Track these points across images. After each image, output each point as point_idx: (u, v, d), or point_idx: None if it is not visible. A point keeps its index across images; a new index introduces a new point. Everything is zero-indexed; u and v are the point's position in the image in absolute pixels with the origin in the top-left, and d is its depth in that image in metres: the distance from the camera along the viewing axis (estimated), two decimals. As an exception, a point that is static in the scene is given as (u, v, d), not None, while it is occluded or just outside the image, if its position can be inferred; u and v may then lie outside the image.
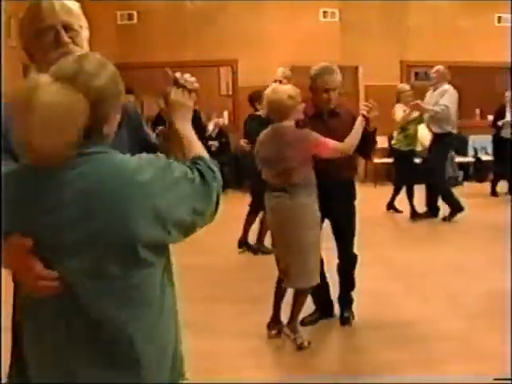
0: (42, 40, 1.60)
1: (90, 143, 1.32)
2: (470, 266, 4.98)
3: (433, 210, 6.84)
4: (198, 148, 1.55)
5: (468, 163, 9.69)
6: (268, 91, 3.42)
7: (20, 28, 1.67)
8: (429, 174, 6.73)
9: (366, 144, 3.50)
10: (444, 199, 6.75)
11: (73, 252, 1.28)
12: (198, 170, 1.44)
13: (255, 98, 5.36)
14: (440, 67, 6.93)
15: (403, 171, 6.88)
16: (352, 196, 3.72)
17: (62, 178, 1.28)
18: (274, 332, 3.55)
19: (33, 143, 1.22)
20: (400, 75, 9.59)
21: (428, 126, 6.75)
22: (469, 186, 9.11)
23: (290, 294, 3.55)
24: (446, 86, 6.72)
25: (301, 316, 3.59)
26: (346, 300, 3.82)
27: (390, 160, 9.01)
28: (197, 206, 1.41)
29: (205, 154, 1.53)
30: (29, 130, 1.21)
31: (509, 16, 9.60)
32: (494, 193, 8.31)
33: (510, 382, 2.77)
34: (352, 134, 3.38)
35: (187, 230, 1.43)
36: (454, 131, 6.75)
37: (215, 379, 3.04)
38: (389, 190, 7.37)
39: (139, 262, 1.32)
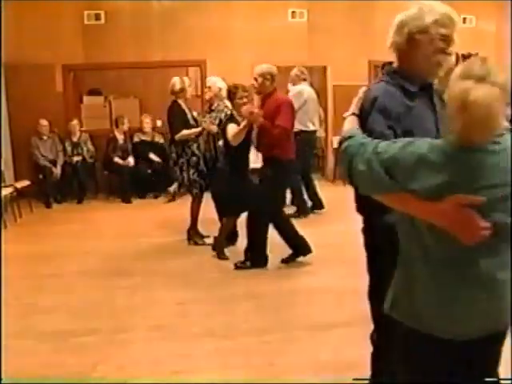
0: (434, 43, 1.96)
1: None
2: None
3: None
4: None
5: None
6: None
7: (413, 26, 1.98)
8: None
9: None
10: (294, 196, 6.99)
11: (493, 208, 1.63)
12: None
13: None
14: (293, 71, 7.26)
15: None
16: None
17: (485, 152, 1.64)
18: None
19: (466, 132, 1.60)
20: (368, 75, 9.67)
21: None
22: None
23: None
24: (298, 87, 7.08)
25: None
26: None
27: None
28: None
29: None
30: (465, 121, 1.58)
31: (473, 17, 9.79)
32: None
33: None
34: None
35: None
36: (309, 128, 7.05)
37: (182, 380, 3.04)
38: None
39: None
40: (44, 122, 8.51)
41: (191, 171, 5.65)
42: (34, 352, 3.44)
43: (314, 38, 9.24)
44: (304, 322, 3.82)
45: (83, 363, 3.29)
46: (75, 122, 8.80)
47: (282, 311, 4.03)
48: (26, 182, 7.94)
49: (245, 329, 3.73)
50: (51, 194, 8.34)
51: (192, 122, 5.78)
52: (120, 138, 8.76)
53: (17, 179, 8.27)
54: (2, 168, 7.73)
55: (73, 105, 9.25)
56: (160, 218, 7.19)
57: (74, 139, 8.78)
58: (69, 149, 8.74)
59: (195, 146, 5.69)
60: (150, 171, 8.74)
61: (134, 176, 8.61)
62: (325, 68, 9.63)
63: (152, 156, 8.80)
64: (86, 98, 10.08)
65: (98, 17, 8.92)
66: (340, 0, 9.21)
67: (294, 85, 7.21)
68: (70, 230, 6.72)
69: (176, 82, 5.75)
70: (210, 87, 5.67)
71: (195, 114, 6.10)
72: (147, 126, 9.00)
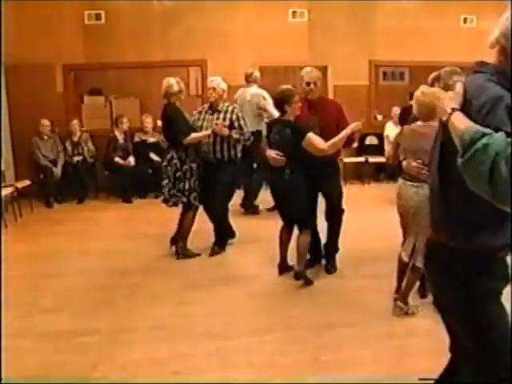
0: None
1: None
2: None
3: None
4: None
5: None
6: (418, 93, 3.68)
7: None
8: None
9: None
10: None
11: None
12: None
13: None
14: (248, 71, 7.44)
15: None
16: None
17: None
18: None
19: None
20: (368, 75, 9.67)
21: None
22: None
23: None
24: (240, 90, 7.27)
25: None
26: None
27: (359, 159, 9.13)
28: None
29: None
30: None
31: (474, 17, 9.78)
32: None
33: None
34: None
35: None
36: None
37: (183, 380, 3.04)
38: (359, 187, 7.36)
39: None
40: (45, 122, 8.51)
41: (193, 179, 5.38)
42: (34, 352, 3.44)
43: (315, 37, 9.23)
44: (304, 322, 3.82)
45: (83, 363, 3.29)
46: (76, 121, 8.80)
47: (283, 311, 4.02)
48: (26, 182, 7.94)
49: (245, 329, 3.73)
50: (52, 193, 8.34)
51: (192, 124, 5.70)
52: (120, 137, 8.76)
53: (17, 179, 8.27)
54: (3, 168, 7.74)
55: (73, 105, 9.25)
56: (161, 217, 7.18)
57: (75, 139, 8.78)
58: (69, 149, 8.75)
59: (194, 151, 5.44)
60: (150, 171, 8.73)
61: (135, 176, 8.60)
62: (325, 68, 9.61)
63: (153, 156, 8.79)
64: (86, 98, 10.09)
65: (98, 17, 8.92)
66: (340, 0, 9.20)
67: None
68: (70, 229, 6.72)
69: (173, 83, 5.40)
70: (214, 88, 5.49)
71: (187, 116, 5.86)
72: (148, 126, 9.00)
